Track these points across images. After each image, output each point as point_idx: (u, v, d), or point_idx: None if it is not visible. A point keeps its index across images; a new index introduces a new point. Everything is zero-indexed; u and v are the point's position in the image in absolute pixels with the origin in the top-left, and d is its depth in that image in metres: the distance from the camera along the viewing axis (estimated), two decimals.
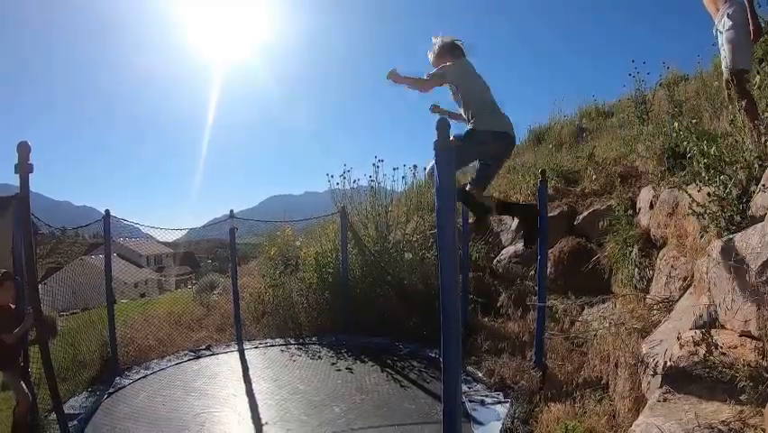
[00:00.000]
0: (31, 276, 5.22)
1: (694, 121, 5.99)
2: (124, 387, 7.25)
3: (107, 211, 8.27)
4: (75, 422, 5.88)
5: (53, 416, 5.67)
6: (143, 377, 7.65)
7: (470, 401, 6.00)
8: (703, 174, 4.42)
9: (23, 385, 5.44)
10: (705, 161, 4.43)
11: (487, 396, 6.17)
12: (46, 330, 5.49)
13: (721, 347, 2.99)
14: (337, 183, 10.91)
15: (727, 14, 4.68)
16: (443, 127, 3.10)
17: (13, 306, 5.52)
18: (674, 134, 6.26)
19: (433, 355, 7.73)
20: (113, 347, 8.03)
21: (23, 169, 4.78)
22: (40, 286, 5.58)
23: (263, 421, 5.92)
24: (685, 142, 5.35)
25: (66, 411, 5.69)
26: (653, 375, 3.64)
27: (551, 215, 7.67)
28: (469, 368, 6.96)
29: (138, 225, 10.04)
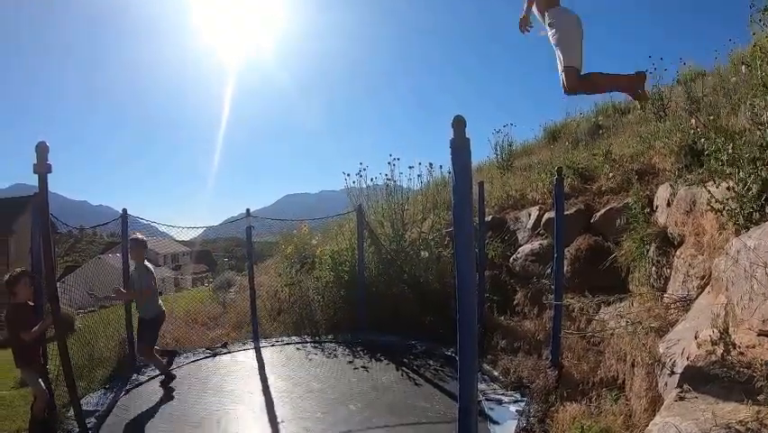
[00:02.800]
0: (49, 274, 5.27)
1: (711, 117, 5.93)
2: (141, 384, 7.31)
3: (125, 210, 8.35)
4: (92, 419, 5.94)
5: (71, 412, 5.73)
6: (160, 374, 7.70)
7: (486, 400, 5.99)
8: (721, 171, 4.38)
9: (41, 382, 5.51)
10: (723, 157, 4.39)
11: (503, 395, 6.16)
12: (64, 328, 5.54)
13: (739, 347, 2.97)
14: (353, 182, 10.95)
15: (549, 24, 4.67)
16: (458, 125, 3.08)
17: (32, 303, 5.60)
18: (692, 131, 6.20)
19: (448, 354, 7.72)
20: (130, 345, 8.10)
21: (42, 169, 4.83)
22: (57, 284, 5.63)
23: (279, 419, 5.94)
24: (703, 139, 5.31)
25: (83, 408, 5.76)
26: (669, 375, 3.61)
27: (567, 213, 7.63)
28: (485, 366, 6.95)
29: (155, 224, 10.11)
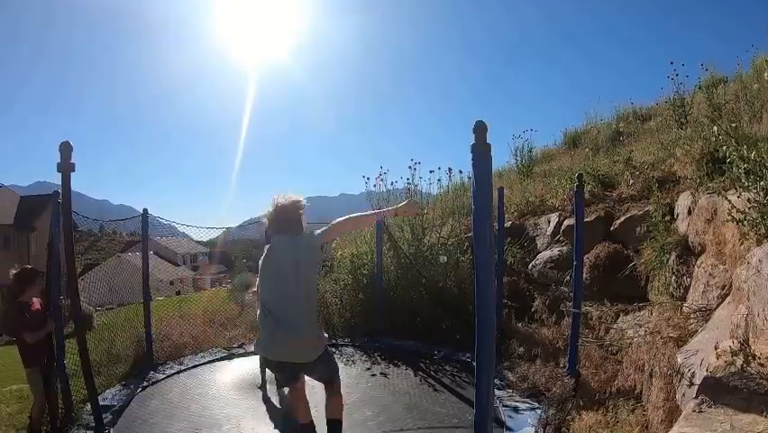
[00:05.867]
0: (71, 272, 5.33)
1: (734, 125, 5.87)
2: (158, 382, 7.40)
3: (145, 210, 8.42)
4: (109, 415, 6.00)
5: (88, 406, 5.81)
6: (177, 373, 7.79)
7: (503, 407, 5.96)
8: (743, 179, 4.33)
9: (41, 385, 5.52)
10: (745, 165, 4.34)
11: (519, 402, 6.12)
12: (83, 325, 5.59)
13: (759, 358, 2.93)
14: (374, 185, 10.91)
15: None
16: (480, 130, 3.07)
17: (41, 303, 5.63)
18: (713, 138, 6.14)
19: (465, 359, 7.70)
20: (148, 343, 8.20)
21: (66, 168, 4.90)
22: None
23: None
24: (724, 147, 5.25)
25: (100, 403, 5.82)
26: (688, 386, 3.58)
27: (587, 220, 7.58)
28: (502, 373, 6.92)
29: (174, 224, 10.19)
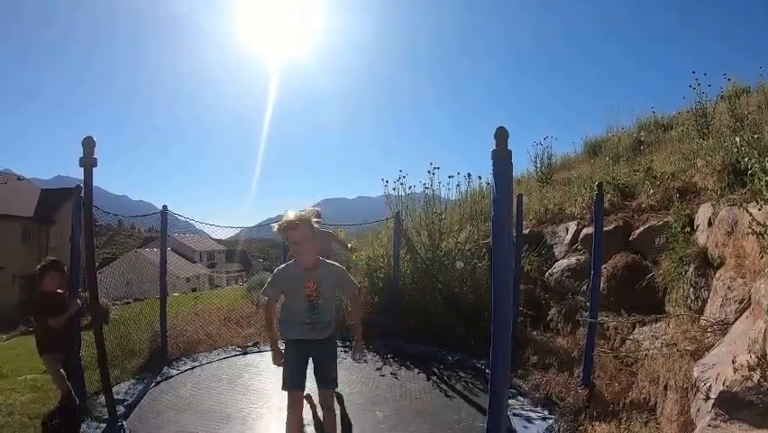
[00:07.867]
0: (90, 266, 5.38)
1: (756, 135, 5.80)
2: (171, 377, 7.48)
3: (165, 206, 8.48)
4: (121, 407, 6.05)
5: (101, 399, 5.88)
6: (191, 369, 7.86)
7: (515, 415, 5.92)
8: (764, 192, 4.28)
9: (59, 369, 5.59)
10: (766, 178, 4.30)
11: (531, 411, 6.08)
12: (99, 318, 5.66)
13: None
14: (392, 189, 10.89)
15: None
16: (501, 136, 3.07)
17: (61, 291, 5.72)
18: (735, 150, 6.08)
19: (479, 366, 7.66)
20: (162, 338, 8.30)
21: (88, 163, 4.95)
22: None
23: (305, 421, 5.96)
24: (746, 158, 5.20)
25: (114, 396, 5.86)
26: (704, 400, 3.54)
27: (606, 229, 7.51)
28: (515, 381, 6.88)
29: (192, 222, 10.25)
